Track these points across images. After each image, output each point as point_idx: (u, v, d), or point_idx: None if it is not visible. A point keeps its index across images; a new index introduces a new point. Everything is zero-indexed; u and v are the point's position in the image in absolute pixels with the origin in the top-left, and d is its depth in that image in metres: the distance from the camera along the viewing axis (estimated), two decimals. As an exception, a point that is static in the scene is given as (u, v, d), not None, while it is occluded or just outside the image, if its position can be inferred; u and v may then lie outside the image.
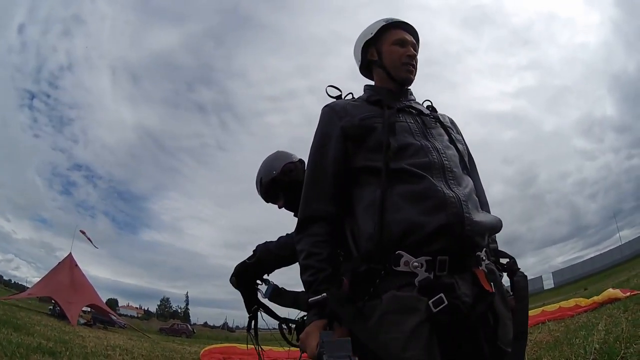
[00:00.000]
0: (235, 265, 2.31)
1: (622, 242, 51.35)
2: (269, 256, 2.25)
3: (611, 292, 10.23)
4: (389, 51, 1.71)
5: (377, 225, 1.36)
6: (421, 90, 1.81)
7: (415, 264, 1.30)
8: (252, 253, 2.30)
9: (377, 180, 1.43)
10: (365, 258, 1.38)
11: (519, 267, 1.52)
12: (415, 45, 1.74)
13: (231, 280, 2.29)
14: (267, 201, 2.52)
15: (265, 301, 2.28)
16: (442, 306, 1.25)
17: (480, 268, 1.38)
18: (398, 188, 1.40)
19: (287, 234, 2.27)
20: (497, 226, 1.52)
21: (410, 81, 1.72)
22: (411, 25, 1.77)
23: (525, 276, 1.48)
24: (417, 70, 1.72)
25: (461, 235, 1.33)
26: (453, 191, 1.39)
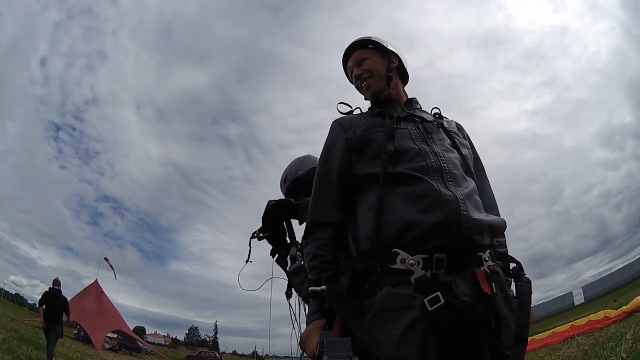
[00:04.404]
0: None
1: (651, 249, 50.20)
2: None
3: (639, 299, 10.01)
4: (352, 81, 1.87)
5: (374, 225, 1.39)
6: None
7: (412, 261, 1.30)
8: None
9: (377, 185, 1.46)
10: (362, 257, 1.41)
11: (524, 272, 1.49)
12: (361, 61, 1.81)
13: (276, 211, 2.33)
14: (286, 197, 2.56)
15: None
16: (438, 305, 1.24)
17: (481, 268, 1.36)
18: (396, 190, 1.42)
19: None
20: (499, 225, 1.51)
21: (376, 94, 1.77)
22: (353, 45, 1.85)
23: (530, 281, 1.43)
24: (378, 75, 1.77)
25: (459, 233, 1.32)
26: (450, 191, 1.39)
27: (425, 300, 1.24)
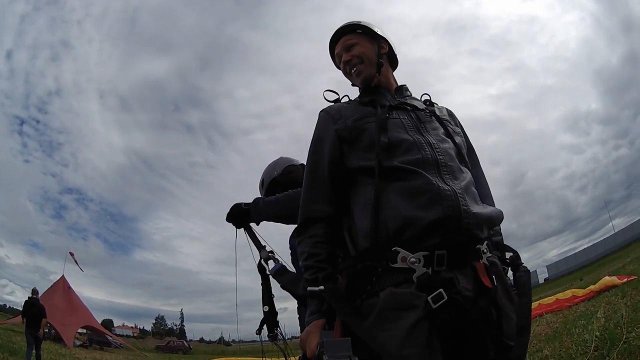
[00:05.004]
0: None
1: (616, 231, 51.95)
2: (257, 211, 2.27)
3: (607, 279, 10.35)
4: (340, 67, 1.82)
5: (372, 222, 1.35)
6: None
7: (413, 259, 1.27)
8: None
9: (372, 180, 1.41)
10: (361, 256, 1.36)
11: (522, 262, 1.49)
12: (351, 46, 1.76)
13: (229, 221, 2.30)
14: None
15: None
16: (441, 302, 1.22)
17: (480, 261, 1.34)
18: (392, 185, 1.38)
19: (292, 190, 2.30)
20: (497, 217, 1.49)
21: (366, 80, 1.72)
22: (340, 30, 1.80)
23: (528, 271, 1.45)
24: (368, 61, 1.72)
25: (459, 228, 1.30)
26: (448, 185, 1.36)
27: (429, 297, 1.22)
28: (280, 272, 2.06)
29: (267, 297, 2.21)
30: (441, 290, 1.22)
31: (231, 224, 2.30)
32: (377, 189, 1.38)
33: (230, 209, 2.29)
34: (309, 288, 1.41)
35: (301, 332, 2.75)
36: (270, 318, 2.16)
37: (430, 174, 1.37)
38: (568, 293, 11.52)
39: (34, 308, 11.09)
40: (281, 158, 2.71)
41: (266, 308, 2.17)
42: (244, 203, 2.28)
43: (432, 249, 1.27)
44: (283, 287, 2.06)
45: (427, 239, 1.28)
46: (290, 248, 2.66)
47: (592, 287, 10.76)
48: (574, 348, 4.98)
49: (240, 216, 2.27)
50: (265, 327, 2.22)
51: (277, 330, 2.16)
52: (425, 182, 1.34)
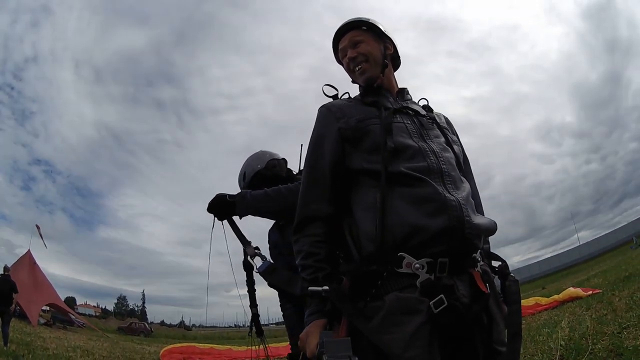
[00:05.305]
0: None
1: (581, 243, 52.89)
2: (243, 204, 2.18)
3: (572, 290, 10.48)
4: (344, 63, 1.78)
5: (378, 227, 1.36)
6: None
7: (417, 265, 1.31)
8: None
9: (376, 183, 1.42)
10: (367, 260, 1.38)
11: (510, 271, 1.55)
12: (357, 43, 1.72)
13: (210, 211, 2.21)
14: None
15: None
16: (442, 307, 1.27)
17: (476, 269, 1.40)
18: (399, 191, 1.40)
19: (282, 186, 2.23)
20: (492, 228, 1.54)
21: (370, 79, 1.69)
22: (347, 25, 1.76)
23: (517, 280, 1.49)
24: (374, 60, 1.70)
25: (462, 238, 1.34)
26: (453, 195, 1.40)
27: (431, 303, 1.27)
28: (269, 271, 2.03)
29: (254, 297, 2.25)
30: (442, 296, 1.27)
31: (212, 215, 2.20)
32: (384, 193, 1.39)
33: (213, 199, 2.20)
34: (310, 288, 1.40)
35: (287, 329, 2.79)
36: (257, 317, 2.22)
37: (435, 183, 1.40)
38: (531, 300, 11.63)
39: (5, 284, 11.24)
40: (262, 151, 2.67)
41: (254, 310, 2.21)
42: (229, 195, 2.20)
43: (436, 256, 1.31)
44: (271, 285, 2.06)
45: (432, 247, 1.32)
46: (269, 242, 2.65)
47: (556, 296, 10.92)
48: (539, 355, 5.07)
49: (225, 208, 2.19)
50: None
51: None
52: (432, 190, 1.37)
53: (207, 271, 2.32)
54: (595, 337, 4.96)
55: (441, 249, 1.32)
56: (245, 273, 2.24)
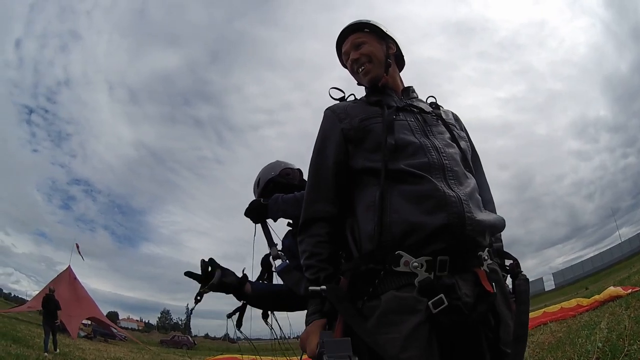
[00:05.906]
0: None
1: (622, 240, 51.45)
2: (275, 207, 2.30)
3: (612, 290, 10.21)
4: (347, 66, 1.81)
5: (376, 225, 1.35)
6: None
7: (415, 264, 1.28)
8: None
9: (377, 181, 1.42)
10: (365, 258, 1.37)
11: (521, 269, 1.49)
12: (359, 44, 1.74)
13: (247, 215, 2.35)
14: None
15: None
16: (442, 307, 1.23)
17: (482, 268, 1.36)
18: (398, 188, 1.39)
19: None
20: (499, 225, 1.50)
21: (374, 80, 1.71)
22: (349, 27, 1.79)
23: (527, 279, 1.45)
24: (377, 60, 1.71)
25: (462, 235, 1.31)
26: (454, 191, 1.37)
27: (430, 302, 1.24)
28: (286, 271, 2.09)
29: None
30: (442, 295, 1.24)
31: (249, 220, 2.33)
32: (382, 192, 1.38)
33: (250, 204, 2.33)
34: (310, 288, 1.41)
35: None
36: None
37: (436, 179, 1.38)
38: (573, 302, 11.42)
39: (51, 303, 13.01)
40: (277, 161, 2.73)
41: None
42: (263, 199, 2.33)
43: (435, 254, 1.29)
44: (287, 285, 2.11)
45: (430, 245, 1.30)
46: (282, 247, 2.71)
47: (596, 297, 10.64)
48: (576, 358, 4.95)
49: (259, 211, 2.30)
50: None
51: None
52: (431, 187, 1.35)
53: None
54: (632, 337, 4.80)
55: (441, 247, 1.30)
56: (260, 270, 2.35)
